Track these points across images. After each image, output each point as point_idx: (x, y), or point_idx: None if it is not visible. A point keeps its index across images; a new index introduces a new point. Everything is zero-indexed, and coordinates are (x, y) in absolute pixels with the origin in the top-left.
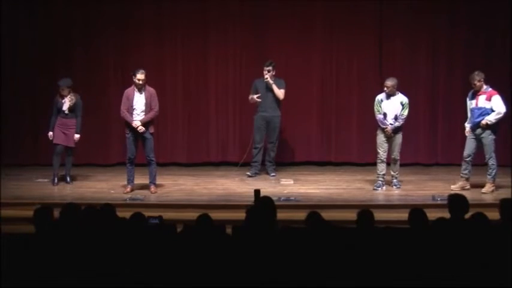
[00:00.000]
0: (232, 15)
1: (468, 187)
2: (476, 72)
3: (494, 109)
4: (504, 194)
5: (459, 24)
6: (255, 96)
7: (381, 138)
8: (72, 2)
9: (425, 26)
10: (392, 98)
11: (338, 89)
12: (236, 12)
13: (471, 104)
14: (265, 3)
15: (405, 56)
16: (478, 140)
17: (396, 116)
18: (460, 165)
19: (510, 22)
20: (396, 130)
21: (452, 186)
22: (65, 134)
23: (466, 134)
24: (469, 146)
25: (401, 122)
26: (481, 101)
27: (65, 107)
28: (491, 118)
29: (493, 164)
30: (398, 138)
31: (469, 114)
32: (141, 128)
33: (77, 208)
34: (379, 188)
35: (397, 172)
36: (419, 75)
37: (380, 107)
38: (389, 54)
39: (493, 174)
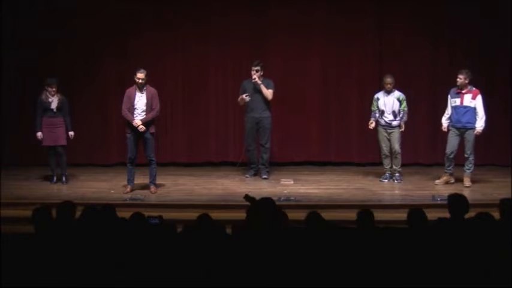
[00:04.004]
0: (233, 16)
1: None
2: (466, 70)
3: (477, 109)
4: (504, 194)
5: (460, 26)
6: (244, 95)
7: (381, 134)
8: (72, 2)
9: (425, 26)
10: (389, 95)
11: (338, 89)
12: (237, 14)
13: (455, 101)
14: (265, 5)
15: (405, 57)
16: (461, 136)
17: (394, 112)
18: (461, 165)
19: (511, 22)
20: (394, 125)
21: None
22: (53, 133)
23: (444, 130)
24: (452, 143)
25: (405, 116)
26: (467, 100)
27: (54, 106)
28: (481, 125)
29: (473, 159)
30: (397, 132)
31: (449, 111)
32: (141, 127)
33: (73, 205)
34: (386, 180)
35: (398, 166)
36: (420, 76)
37: (377, 105)
38: (389, 55)
39: (472, 169)
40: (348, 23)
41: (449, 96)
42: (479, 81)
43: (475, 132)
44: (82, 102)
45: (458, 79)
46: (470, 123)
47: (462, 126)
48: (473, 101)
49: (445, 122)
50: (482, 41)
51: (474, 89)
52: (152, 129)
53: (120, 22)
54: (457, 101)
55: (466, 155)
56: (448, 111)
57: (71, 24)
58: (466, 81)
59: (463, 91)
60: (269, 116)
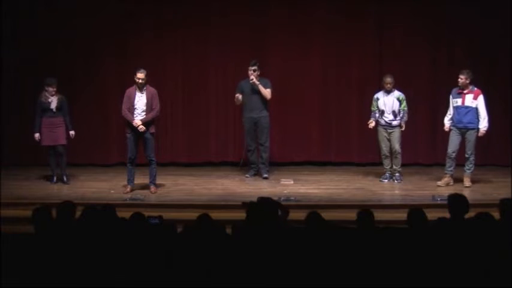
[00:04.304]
0: (233, 16)
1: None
2: (467, 70)
3: (479, 110)
4: (504, 194)
5: (460, 26)
6: (239, 97)
7: (381, 134)
8: (72, 2)
9: (425, 26)
10: (389, 95)
11: (338, 89)
12: (236, 14)
13: (456, 102)
14: (265, 5)
15: (405, 57)
16: (462, 136)
17: (394, 111)
18: (461, 165)
19: (511, 22)
20: (394, 125)
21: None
22: (54, 133)
23: (446, 130)
24: (454, 143)
25: (406, 116)
26: (468, 100)
27: (53, 106)
28: (485, 125)
29: (473, 159)
30: (397, 132)
31: (451, 111)
32: (141, 127)
33: (73, 205)
34: (386, 180)
35: (398, 166)
36: (420, 76)
37: (377, 105)
38: (389, 55)
39: (472, 169)
40: (348, 23)
41: (450, 96)
42: (479, 81)
43: (479, 133)
44: (82, 102)
45: (459, 79)
46: (471, 123)
47: (464, 126)
48: (475, 101)
49: (447, 122)
50: (482, 41)
51: (476, 89)
52: (152, 129)
53: (120, 22)
54: (459, 101)
55: (466, 155)
56: (450, 112)
57: (71, 24)
58: (467, 81)
59: (465, 91)
60: (267, 115)
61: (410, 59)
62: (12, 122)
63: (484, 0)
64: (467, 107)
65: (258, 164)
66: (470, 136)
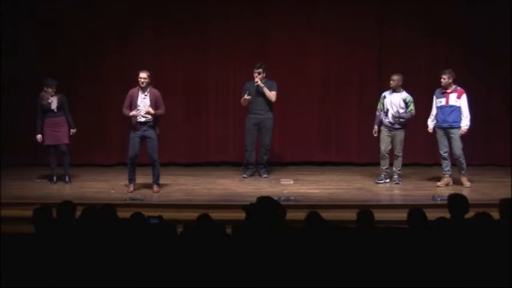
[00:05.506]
0: (233, 15)
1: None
2: (449, 70)
3: (462, 109)
4: (504, 194)
5: (459, 26)
6: (245, 96)
7: (383, 134)
8: (72, 2)
9: (425, 26)
10: (395, 94)
11: (338, 89)
12: (237, 13)
13: (440, 102)
14: (265, 4)
15: (405, 56)
16: (447, 135)
17: (398, 112)
18: (456, 165)
19: (511, 22)
20: (397, 127)
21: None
22: (56, 132)
23: (429, 131)
24: (442, 143)
25: (408, 116)
26: (452, 99)
27: (54, 106)
28: (466, 124)
29: (463, 159)
30: (400, 135)
31: (434, 112)
32: (147, 109)
33: (73, 205)
34: (382, 181)
35: (398, 168)
36: (419, 75)
37: (383, 104)
38: (389, 55)
39: (465, 168)
40: (348, 23)
41: (434, 96)
42: (479, 81)
43: (460, 131)
44: (82, 102)
45: (442, 79)
46: (456, 122)
47: (449, 125)
48: (459, 100)
49: (430, 123)
50: (482, 41)
51: (459, 88)
52: (157, 131)
53: (120, 22)
54: (443, 101)
55: (455, 157)
56: (433, 112)
57: (71, 24)
58: (450, 81)
59: (448, 91)
60: (271, 117)
61: (411, 59)
62: (12, 122)
63: (484, 0)
64: (451, 106)
65: (254, 165)
66: (455, 135)
